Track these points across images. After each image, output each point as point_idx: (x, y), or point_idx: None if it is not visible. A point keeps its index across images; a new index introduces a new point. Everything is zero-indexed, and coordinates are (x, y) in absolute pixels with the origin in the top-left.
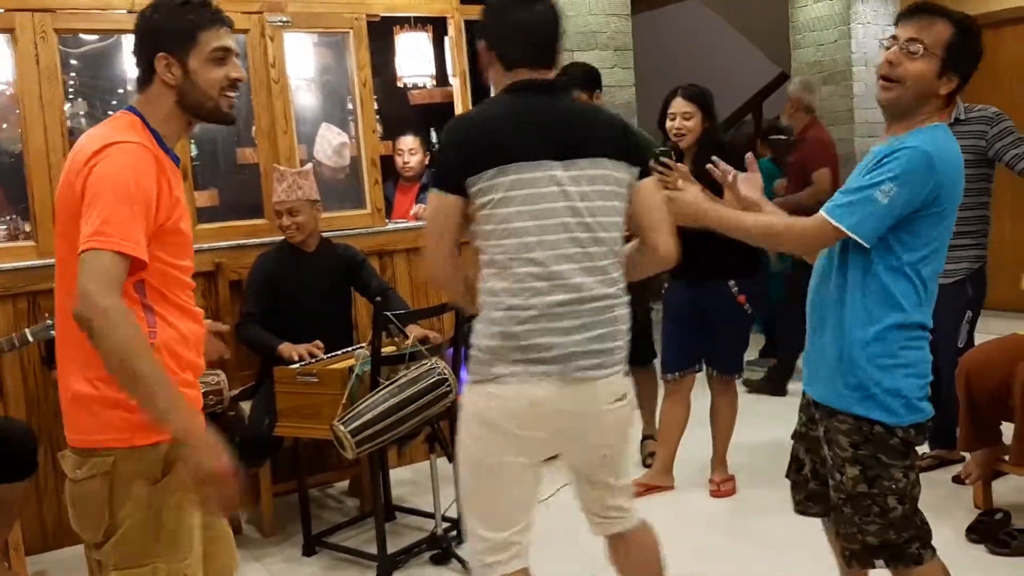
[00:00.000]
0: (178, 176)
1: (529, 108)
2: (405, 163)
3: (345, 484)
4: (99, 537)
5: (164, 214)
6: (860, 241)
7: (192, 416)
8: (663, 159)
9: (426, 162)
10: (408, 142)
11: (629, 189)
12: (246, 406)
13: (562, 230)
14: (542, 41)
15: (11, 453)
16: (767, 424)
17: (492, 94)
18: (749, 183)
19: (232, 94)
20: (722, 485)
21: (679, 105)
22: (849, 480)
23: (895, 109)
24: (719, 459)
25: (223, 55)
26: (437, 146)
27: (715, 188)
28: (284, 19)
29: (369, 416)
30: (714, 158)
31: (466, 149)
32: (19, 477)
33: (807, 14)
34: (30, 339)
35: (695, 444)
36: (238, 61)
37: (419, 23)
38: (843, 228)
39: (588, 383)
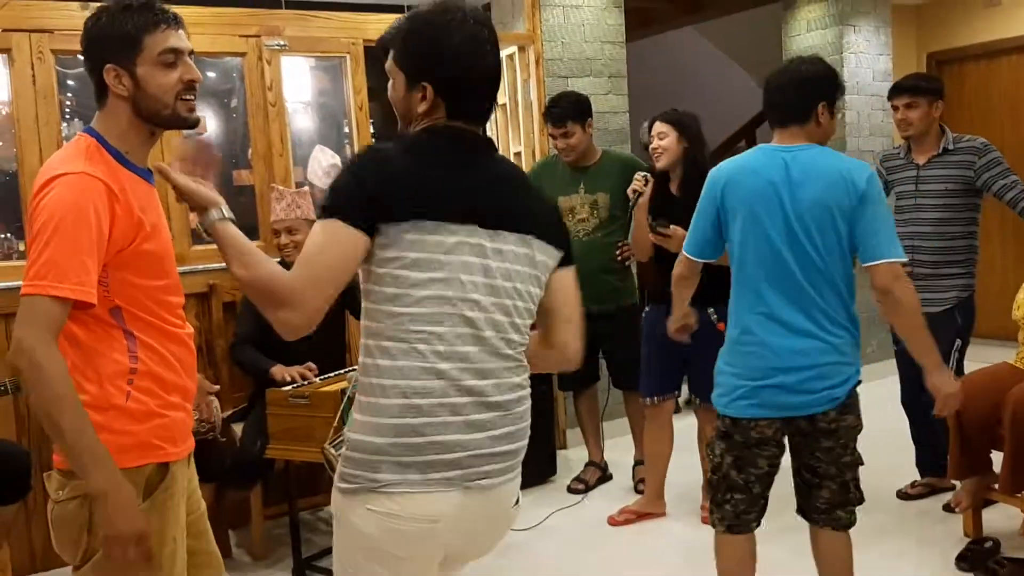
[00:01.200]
0: (148, 194)
1: (465, 162)
2: None
3: None
4: (76, 560)
5: (121, 240)
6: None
7: (111, 476)
8: (659, 228)
9: None
10: None
11: (548, 275)
12: (238, 428)
13: (477, 308)
14: (491, 96)
15: (6, 476)
16: None
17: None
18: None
19: (189, 97)
20: None
21: (656, 127)
22: None
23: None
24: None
25: (172, 58)
26: (343, 168)
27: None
28: (281, 43)
29: None
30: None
31: (384, 185)
32: (12, 500)
33: (800, 43)
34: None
35: (686, 470)
36: (191, 60)
37: None
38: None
39: (492, 491)
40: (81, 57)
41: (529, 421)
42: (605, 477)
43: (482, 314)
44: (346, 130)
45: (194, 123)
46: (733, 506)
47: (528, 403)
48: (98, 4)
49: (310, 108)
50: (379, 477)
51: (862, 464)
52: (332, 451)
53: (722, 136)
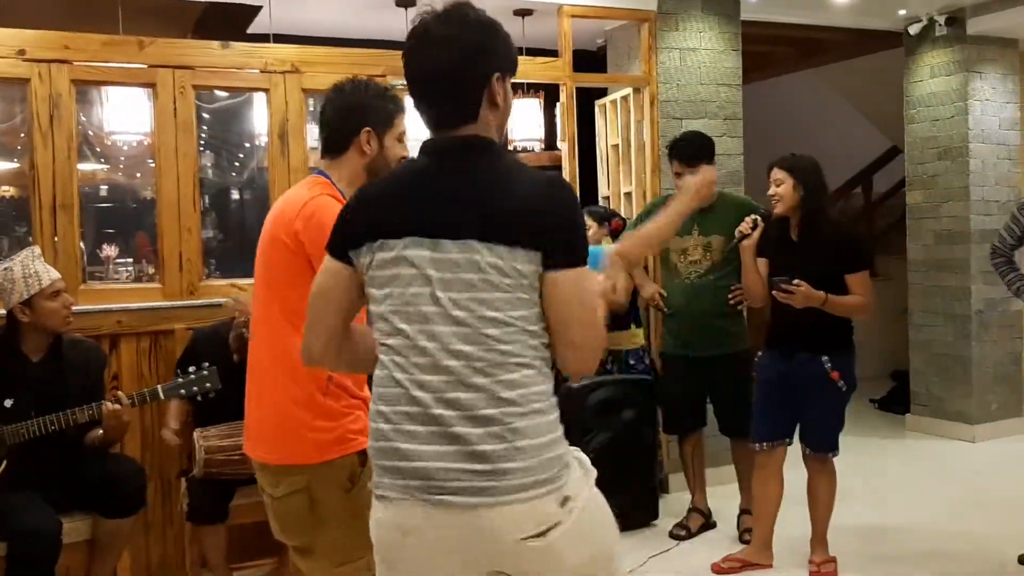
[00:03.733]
0: None
1: (418, 173)
2: None
3: None
4: (307, 541)
5: None
6: None
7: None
8: (782, 284)
9: None
10: None
11: (532, 280)
12: None
13: (422, 320)
14: (430, 95)
15: (124, 491)
16: (871, 506)
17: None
18: None
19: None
20: (822, 566)
21: (773, 174)
22: None
23: None
24: (818, 539)
25: (402, 137)
26: None
27: (817, 258)
28: (405, 82)
29: None
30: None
31: (345, 219)
32: (129, 513)
33: (923, 89)
34: (161, 396)
35: (795, 521)
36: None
37: (532, 89)
38: None
39: (468, 512)
40: (217, 93)
41: (520, 441)
42: (708, 524)
43: (431, 327)
44: None
45: None
46: None
47: (514, 420)
48: (241, 44)
49: None
50: (375, 479)
51: None
52: None
53: (838, 181)
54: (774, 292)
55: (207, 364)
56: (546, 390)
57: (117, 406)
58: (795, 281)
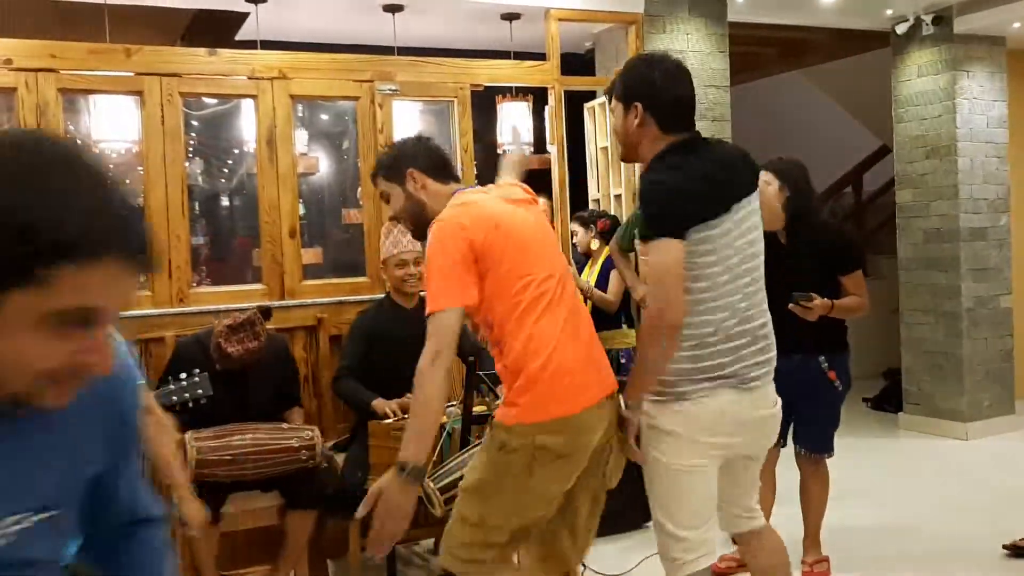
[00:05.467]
0: None
1: (713, 163)
2: None
3: (431, 542)
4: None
5: None
6: None
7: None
8: (801, 301)
9: None
10: None
11: None
12: (340, 458)
13: (738, 264)
14: (691, 112)
15: None
16: (864, 505)
17: (644, 150)
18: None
19: None
20: (815, 567)
21: (760, 176)
22: None
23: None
24: (811, 539)
25: None
26: (647, 198)
27: (809, 260)
28: (393, 87)
29: (459, 474)
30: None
31: (692, 202)
32: None
33: (911, 88)
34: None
35: (786, 521)
36: None
37: (520, 93)
38: None
39: (757, 390)
40: (205, 100)
41: (773, 339)
42: None
43: (740, 267)
44: None
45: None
46: None
47: (770, 328)
48: (228, 51)
49: None
50: (678, 390)
51: None
52: (432, 485)
53: (828, 181)
54: (792, 307)
55: (197, 371)
56: None
57: None
58: (810, 294)
